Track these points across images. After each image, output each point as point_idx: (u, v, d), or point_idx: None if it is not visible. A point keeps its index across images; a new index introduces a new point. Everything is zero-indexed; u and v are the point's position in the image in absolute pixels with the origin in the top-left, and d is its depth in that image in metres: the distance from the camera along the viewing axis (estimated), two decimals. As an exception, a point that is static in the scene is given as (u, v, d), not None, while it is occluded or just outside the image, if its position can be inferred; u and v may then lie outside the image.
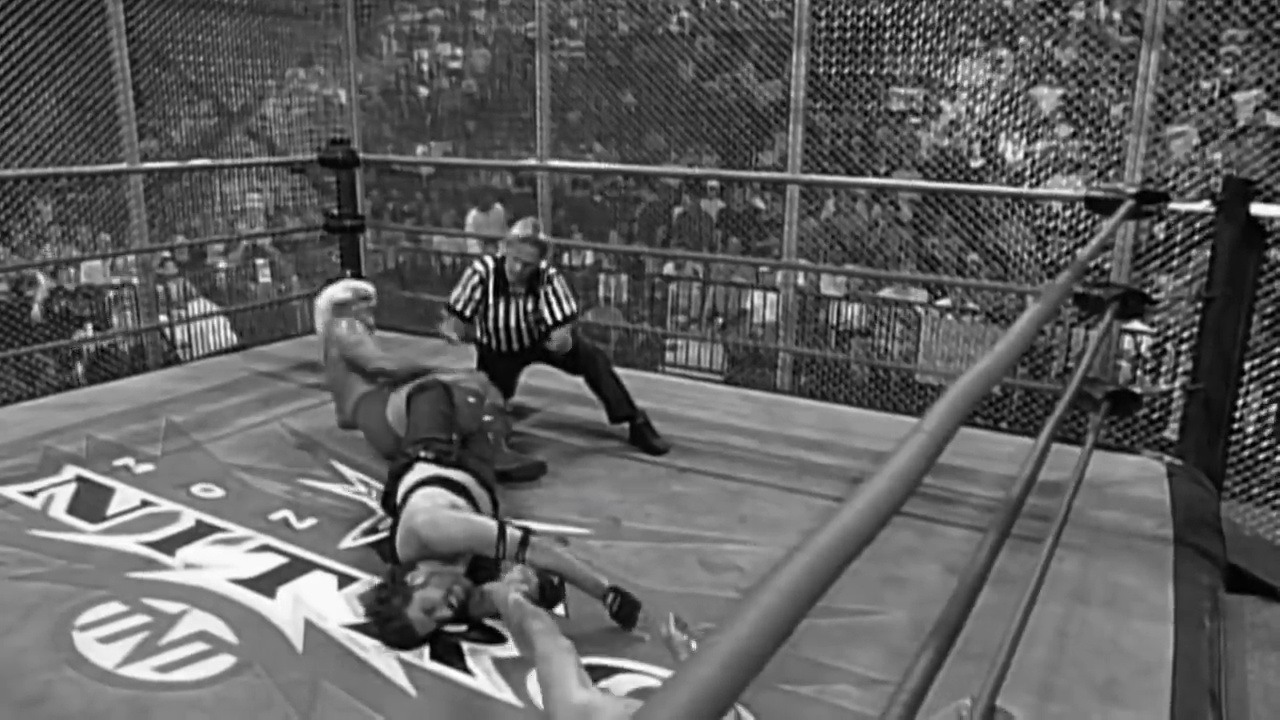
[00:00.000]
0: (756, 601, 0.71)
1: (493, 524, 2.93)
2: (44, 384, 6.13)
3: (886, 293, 6.65)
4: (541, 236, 4.41)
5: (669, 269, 7.71)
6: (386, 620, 2.75)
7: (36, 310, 6.78)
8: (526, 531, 2.90)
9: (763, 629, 0.68)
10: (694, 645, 2.62)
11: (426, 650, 2.72)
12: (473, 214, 8.46)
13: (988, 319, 6.20)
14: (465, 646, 2.74)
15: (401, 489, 3.18)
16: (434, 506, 3.00)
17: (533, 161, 6.30)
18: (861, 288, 6.76)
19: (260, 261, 8.05)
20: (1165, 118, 5.31)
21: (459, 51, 9.11)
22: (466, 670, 2.63)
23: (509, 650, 2.73)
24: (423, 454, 3.30)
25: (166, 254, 7.34)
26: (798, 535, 3.10)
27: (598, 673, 2.60)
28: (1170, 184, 5.29)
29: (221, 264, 7.74)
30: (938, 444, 1.09)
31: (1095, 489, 3.80)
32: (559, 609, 2.89)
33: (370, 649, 2.74)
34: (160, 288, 6.97)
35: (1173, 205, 4.41)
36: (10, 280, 6.88)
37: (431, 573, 2.80)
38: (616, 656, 2.70)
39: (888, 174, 6.44)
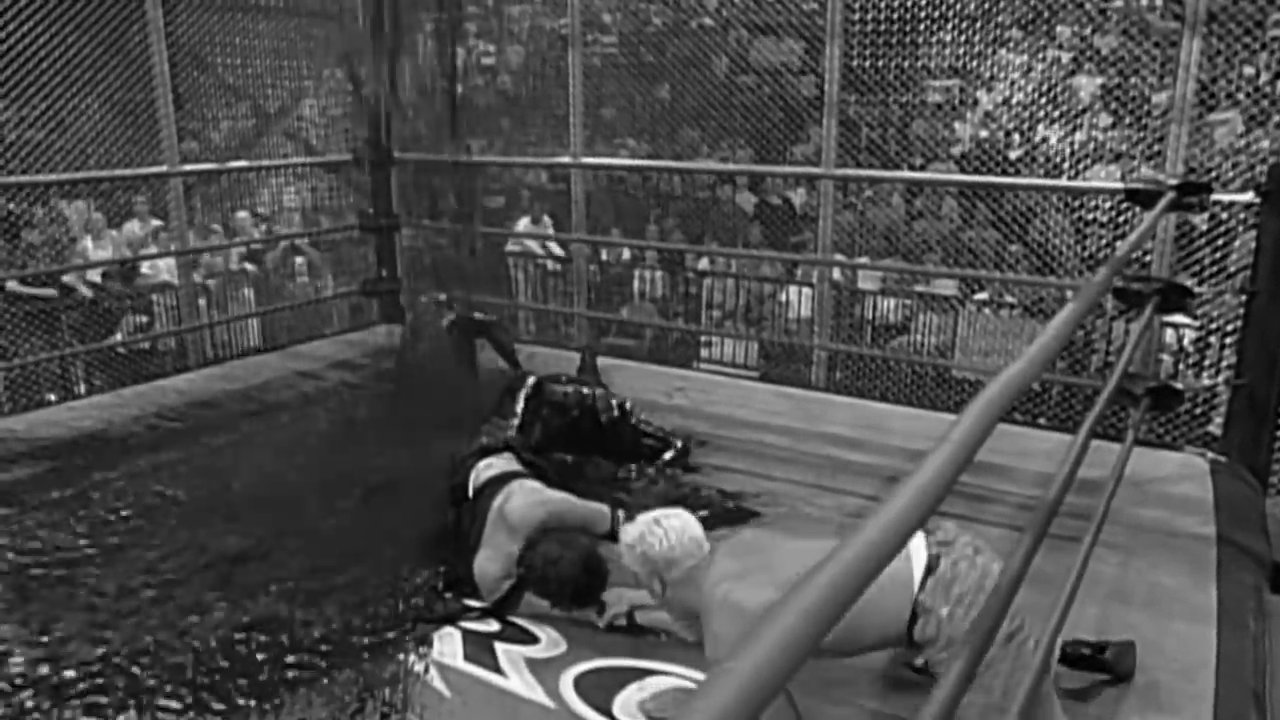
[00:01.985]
0: (775, 623, 0.70)
1: (605, 506, 3.12)
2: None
3: (922, 287, 6.58)
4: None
5: (704, 264, 7.68)
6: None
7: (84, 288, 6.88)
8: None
9: (779, 651, 0.68)
10: None
11: (460, 651, 2.74)
12: (524, 222, 8.53)
13: (1026, 313, 6.12)
14: (499, 647, 2.76)
15: (485, 472, 3.23)
16: (540, 487, 3.16)
17: (566, 159, 6.30)
18: (898, 281, 6.69)
19: (300, 260, 8.12)
20: (1209, 105, 5.20)
21: (492, 48, 9.12)
22: (499, 671, 2.65)
23: (542, 651, 2.75)
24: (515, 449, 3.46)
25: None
26: (833, 533, 3.10)
27: (630, 675, 2.61)
28: (1214, 174, 5.18)
29: (233, 265, 7.81)
30: (965, 454, 1.07)
31: (1136, 486, 3.74)
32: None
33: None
34: (201, 282, 7.09)
35: (1216, 196, 4.32)
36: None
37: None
38: (649, 659, 2.70)
39: (923, 167, 6.36)
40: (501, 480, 3.14)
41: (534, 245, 8.34)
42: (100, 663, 2.67)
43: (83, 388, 6.12)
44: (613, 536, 3.01)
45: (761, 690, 0.65)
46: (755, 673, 0.65)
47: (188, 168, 6.31)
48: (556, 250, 8.24)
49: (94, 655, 2.71)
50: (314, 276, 8.02)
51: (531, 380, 3.90)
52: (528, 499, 3.00)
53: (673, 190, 7.99)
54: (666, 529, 2.36)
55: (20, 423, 4.78)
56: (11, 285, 6.49)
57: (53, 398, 5.82)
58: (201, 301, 6.91)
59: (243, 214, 7.82)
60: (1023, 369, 1.46)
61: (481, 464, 3.27)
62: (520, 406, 3.75)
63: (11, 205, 6.78)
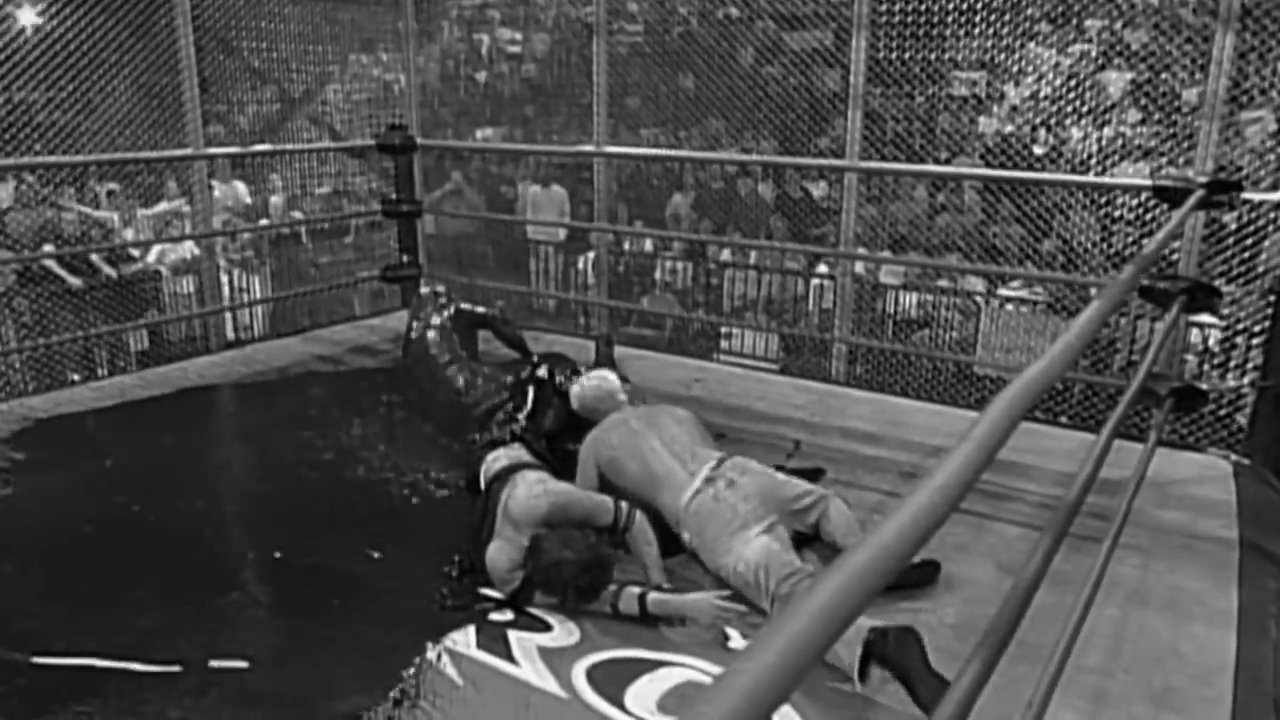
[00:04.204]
0: (783, 628, 0.69)
1: (608, 498, 3.09)
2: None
3: (945, 282, 6.53)
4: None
5: (725, 255, 7.66)
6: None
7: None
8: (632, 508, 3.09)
9: (786, 659, 0.66)
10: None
11: (473, 639, 2.74)
12: (533, 190, 8.50)
13: (1049, 310, 6.06)
14: (512, 635, 2.76)
15: (495, 464, 3.24)
16: (545, 478, 3.16)
17: (590, 147, 6.29)
18: (920, 276, 6.64)
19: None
20: (1240, 103, 5.12)
21: (518, 36, 9.11)
22: (512, 659, 2.65)
23: (555, 639, 2.75)
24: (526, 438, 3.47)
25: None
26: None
27: (643, 666, 2.60)
28: (1244, 172, 5.11)
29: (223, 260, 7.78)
30: (986, 454, 1.06)
31: (1157, 487, 3.71)
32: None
33: (419, 635, 2.77)
34: (223, 263, 7.12)
35: (1245, 195, 4.26)
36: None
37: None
38: (663, 651, 2.70)
39: (948, 161, 6.31)
40: (510, 471, 3.15)
41: (538, 232, 8.31)
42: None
43: (105, 370, 6.17)
44: (615, 530, 3.01)
45: (771, 692, 0.64)
46: (764, 673, 0.64)
47: (212, 151, 6.34)
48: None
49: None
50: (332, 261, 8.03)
51: (543, 370, 3.90)
52: (530, 492, 3.00)
53: (697, 180, 7.96)
54: (598, 380, 3.69)
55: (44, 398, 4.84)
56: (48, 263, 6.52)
57: (76, 378, 5.87)
58: (225, 280, 6.95)
59: (275, 198, 7.86)
60: (1045, 368, 1.44)
61: (491, 456, 3.28)
62: (530, 396, 3.76)
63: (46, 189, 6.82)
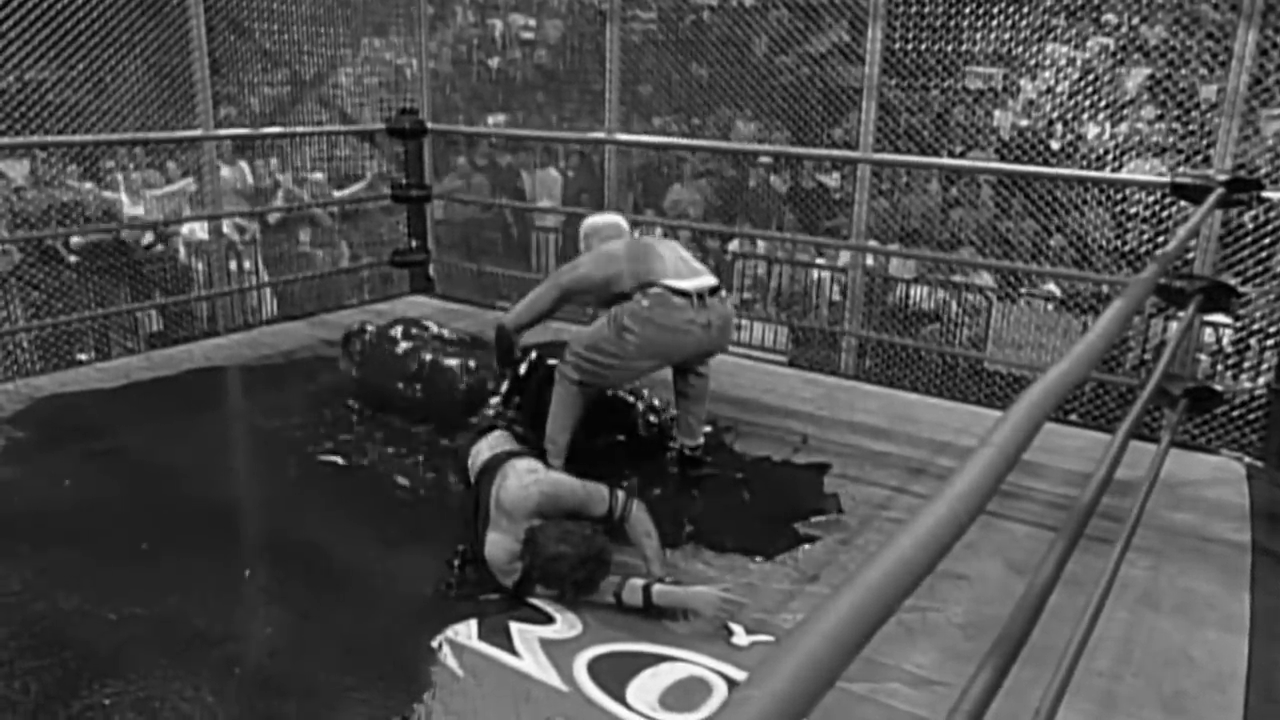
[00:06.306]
0: (793, 649, 0.65)
1: (603, 487, 3.02)
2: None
3: (958, 277, 6.48)
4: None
5: (734, 246, 7.60)
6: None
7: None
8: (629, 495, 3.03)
9: (798, 685, 0.63)
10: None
11: (474, 630, 2.72)
12: (524, 175, 8.53)
13: (1061, 306, 6.01)
14: (514, 627, 2.73)
15: (479, 456, 3.21)
16: (536, 467, 3.11)
17: (600, 135, 6.24)
18: (931, 270, 6.59)
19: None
20: (1261, 100, 5.05)
21: (532, 22, 9.05)
22: (514, 652, 2.62)
23: (557, 632, 2.72)
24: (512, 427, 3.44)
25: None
26: (857, 523, 3.05)
27: (645, 660, 2.58)
28: (1261, 170, 5.04)
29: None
30: (1008, 460, 1.02)
31: (1169, 489, 3.67)
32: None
33: (421, 625, 2.74)
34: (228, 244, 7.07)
35: (1266, 194, 4.21)
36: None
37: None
38: (665, 645, 2.67)
39: (963, 154, 6.25)
40: (499, 461, 3.11)
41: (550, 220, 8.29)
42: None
43: (116, 350, 6.15)
44: (610, 519, 2.97)
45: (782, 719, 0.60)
46: (773, 703, 0.60)
47: (222, 132, 6.31)
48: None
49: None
50: (324, 244, 7.97)
51: (532, 355, 3.85)
52: (521, 482, 2.96)
53: (708, 171, 7.89)
54: (597, 216, 3.97)
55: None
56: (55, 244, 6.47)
57: (83, 358, 5.85)
58: (233, 265, 6.92)
59: (284, 175, 7.82)
60: (1067, 370, 1.40)
61: (474, 449, 3.25)
62: (514, 379, 3.72)
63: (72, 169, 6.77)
